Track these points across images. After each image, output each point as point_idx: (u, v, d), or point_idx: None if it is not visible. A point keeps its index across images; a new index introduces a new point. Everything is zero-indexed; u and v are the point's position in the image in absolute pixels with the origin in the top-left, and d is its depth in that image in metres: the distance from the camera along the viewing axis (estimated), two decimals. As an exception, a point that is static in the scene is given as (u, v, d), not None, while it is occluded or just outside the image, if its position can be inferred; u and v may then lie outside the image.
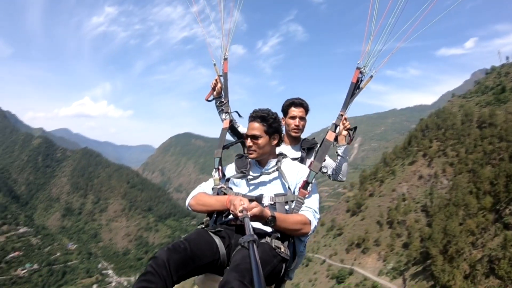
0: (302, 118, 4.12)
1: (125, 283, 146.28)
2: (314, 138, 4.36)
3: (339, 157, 3.98)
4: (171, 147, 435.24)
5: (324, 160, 3.58)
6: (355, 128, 3.89)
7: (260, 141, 3.14)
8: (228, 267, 2.44)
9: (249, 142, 3.16)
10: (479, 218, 51.35)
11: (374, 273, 69.78)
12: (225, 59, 4.26)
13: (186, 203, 3.23)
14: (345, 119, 3.70)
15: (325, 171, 4.14)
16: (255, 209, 2.41)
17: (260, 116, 3.17)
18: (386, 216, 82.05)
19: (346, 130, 3.84)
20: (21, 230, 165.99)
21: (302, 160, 4.03)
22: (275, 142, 3.26)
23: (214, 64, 4.30)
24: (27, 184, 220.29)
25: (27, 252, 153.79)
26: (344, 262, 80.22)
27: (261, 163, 3.29)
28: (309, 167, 3.24)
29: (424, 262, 56.45)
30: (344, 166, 4.00)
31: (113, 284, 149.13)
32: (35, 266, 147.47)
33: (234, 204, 2.48)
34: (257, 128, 3.15)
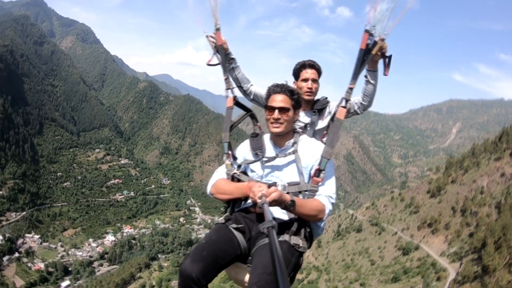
0: (315, 81, 3.90)
1: (209, 221, 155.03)
2: (326, 98, 4.07)
3: (367, 83, 3.65)
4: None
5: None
6: (391, 56, 3.35)
7: (290, 113, 3.02)
8: (250, 257, 2.67)
9: (276, 114, 2.98)
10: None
11: (437, 253, 71.77)
12: (217, 29, 3.71)
13: (207, 191, 3.21)
14: (382, 40, 3.16)
15: (352, 111, 3.83)
16: (274, 193, 2.36)
17: (289, 89, 3.05)
18: (461, 204, 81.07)
19: (381, 55, 3.33)
20: (123, 161, 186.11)
21: (312, 124, 3.90)
22: (297, 117, 3.17)
23: (207, 36, 3.77)
24: (131, 122, 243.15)
25: (125, 181, 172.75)
26: (413, 238, 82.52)
27: (277, 143, 3.16)
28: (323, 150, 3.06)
29: (481, 252, 56.40)
30: (373, 91, 3.68)
31: (198, 220, 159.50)
32: (132, 193, 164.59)
33: (253, 191, 2.44)
34: (286, 100, 2.99)
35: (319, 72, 3.92)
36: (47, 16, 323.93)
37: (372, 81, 3.57)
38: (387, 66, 3.38)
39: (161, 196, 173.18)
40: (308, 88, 3.81)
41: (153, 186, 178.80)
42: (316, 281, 78.19)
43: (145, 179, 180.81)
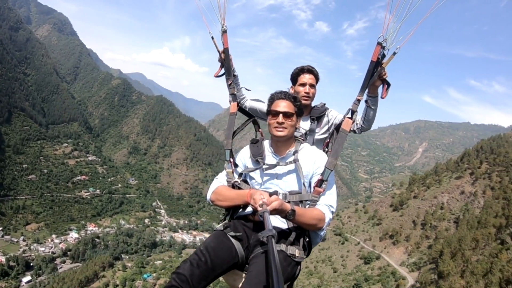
0: (312, 86, 4.01)
1: (174, 224, 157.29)
2: (324, 104, 4.17)
3: (368, 108, 3.77)
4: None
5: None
6: (389, 84, 3.53)
7: (294, 118, 3.08)
8: (247, 265, 2.67)
9: (281, 118, 3.02)
10: (489, 229, 56.09)
11: (397, 262, 77.00)
12: (224, 31, 3.70)
13: (207, 197, 3.24)
14: (394, 54, 3.23)
15: (352, 129, 3.82)
16: (275, 202, 2.39)
17: (293, 96, 3.12)
18: (422, 218, 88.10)
19: (381, 80, 3.48)
20: (90, 158, 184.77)
21: (312, 132, 4.00)
22: (298, 124, 3.20)
23: (212, 38, 3.73)
24: (101, 118, 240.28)
25: (92, 178, 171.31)
26: (375, 248, 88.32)
27: (277, 150, 3.20)
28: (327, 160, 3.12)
29: (438, 262, 61.21)
30: (373, 115, 3.82)
31: (163, 222, 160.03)
32: (97, 191, 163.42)
33: (254, 199, 2.49)
34: (290, 106, 3.06)
35: (317, 78, 4.06)
36: (25, 2, 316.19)
37: (372, 106, 3.73)
38: (386, 90, 3.54)
39: (127, 196, 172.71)
40: (306, 92, 3.94)
41: (119, 185, 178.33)
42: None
43: (111, 178, 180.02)
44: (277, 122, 3.02)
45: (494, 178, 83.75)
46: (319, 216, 2.83)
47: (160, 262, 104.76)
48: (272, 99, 3.13)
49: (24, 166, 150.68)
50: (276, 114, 3.03)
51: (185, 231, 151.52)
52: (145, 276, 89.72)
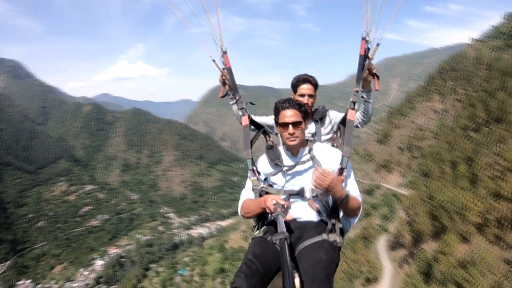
0: (311, 96, 4.18)
1: (186, 222, 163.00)
2: (323, 106, 4.47)
3: (365, 102, 4.07)
4: (212, 99, 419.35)
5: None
6: (378, 76, 3.79)
7: (303, 126, 3.15)
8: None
9: (291, 129, 3.08)
10: (457, 131, 63.04)
11: (395, 186, 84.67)
12: (224, 52, 3.80)
13: (239, 214, 3.43)
14: (378, 45, 3.46)
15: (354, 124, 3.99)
16: (334, 180, 2.65)
17: (297, 103, 3.16)
18: (406, 143, 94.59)
19: (372, 74, 3.73)
20: (87, 188, 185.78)
21: (317, 133, 4.23)
22: (306, 127, 3.29)
23: (213, 60, 3.85)
24: (84, 148, 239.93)
25: (96, 205, 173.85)
26: (373, 180, 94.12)
27: (293, 152, 3.27)
28: (339, 147, 3.57)
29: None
30: (371, 108, 4.17)
31: (176, 224, 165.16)
32: (106, 216, 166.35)
33: (267, 205, 2.67)
34: (297, 114, 3.11)
35: (315, 86, 4.26)
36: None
37: (369, 100, 4.06)
38: (377, 82, 3.84)
39: (134, 211, 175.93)
40: (305, 103, 3.91)
41: (123, 204, 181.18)
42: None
43: (114, 200, 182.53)
44: (289, 133, 3.11)
45: (459, 91, 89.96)
46: (359, 204, 3.09)
47: (188, 258, 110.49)
48: (278, 109, 3.21)
49: (29, 216, 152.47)
50: (285, 125, 3.12)
51: (198, 225, 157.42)
52: (181, 271, 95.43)
